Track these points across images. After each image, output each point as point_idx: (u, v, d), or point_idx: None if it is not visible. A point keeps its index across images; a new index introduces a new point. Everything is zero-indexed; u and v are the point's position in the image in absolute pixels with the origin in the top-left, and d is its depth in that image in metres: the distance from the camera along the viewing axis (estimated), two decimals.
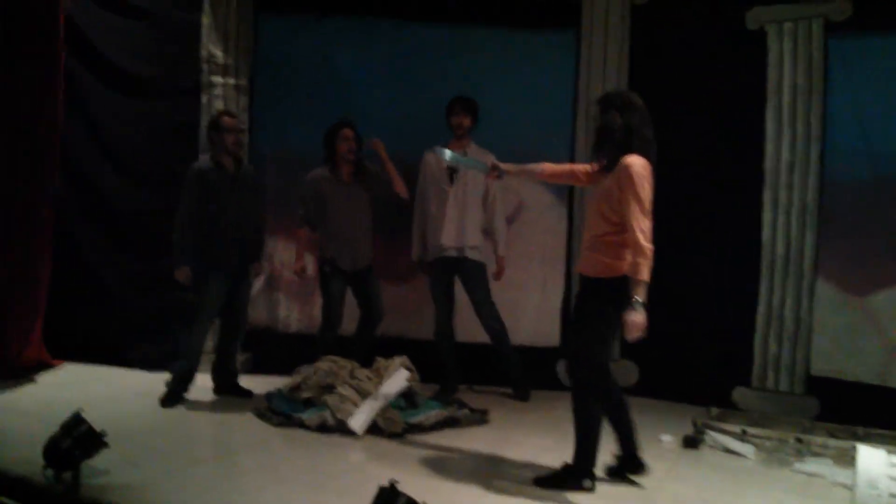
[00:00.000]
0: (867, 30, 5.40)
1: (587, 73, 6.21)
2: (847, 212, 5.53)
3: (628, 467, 4.19)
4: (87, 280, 6.26)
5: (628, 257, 3.74)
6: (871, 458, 3.40)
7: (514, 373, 5.95)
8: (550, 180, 4.52)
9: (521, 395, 5.91)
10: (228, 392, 5.59)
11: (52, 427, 3.89)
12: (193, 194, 5.30)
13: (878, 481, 3.31)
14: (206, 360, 5.73)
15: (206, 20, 6.06)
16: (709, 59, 5.87)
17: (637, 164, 3.74)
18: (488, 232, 5.93)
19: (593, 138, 4.00)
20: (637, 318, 3.69)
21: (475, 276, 5.85)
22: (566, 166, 4.44)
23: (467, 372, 6.00)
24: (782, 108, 5.63)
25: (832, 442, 4.86)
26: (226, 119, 5.35)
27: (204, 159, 5.45)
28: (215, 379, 5.66)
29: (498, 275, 5.93)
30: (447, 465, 4.41)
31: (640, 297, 3.69)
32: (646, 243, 3.68)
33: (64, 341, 6.17)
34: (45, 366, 5.97)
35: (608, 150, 3.86)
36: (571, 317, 4.19)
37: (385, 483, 3.07)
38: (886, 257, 5.40)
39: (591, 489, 3.97)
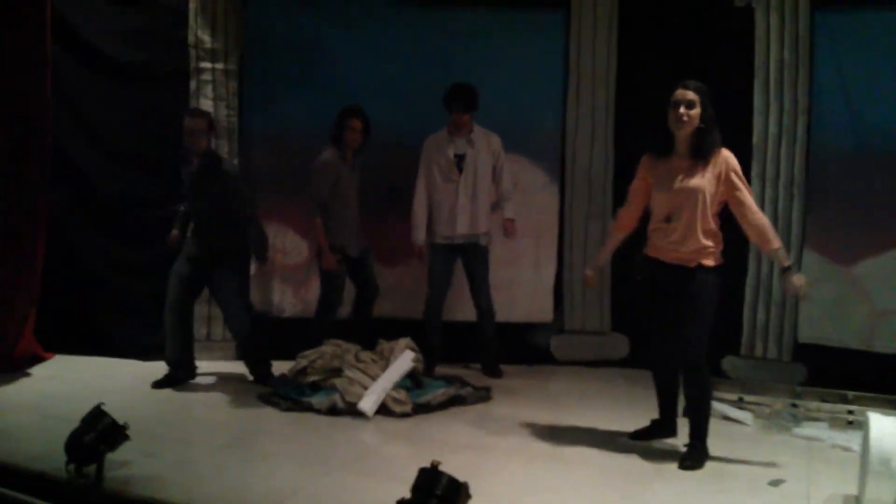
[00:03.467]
0: (853, 5, 5.52)
1: (577, 52, 6.26)
2: (833, 183, 5.68)
3: (663, 431, 4.55)
4: (77, 269, 6.18)
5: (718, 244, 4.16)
6: (882, 429, 3.44)
7: (491, 351, 6.03)
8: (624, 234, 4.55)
9: (495, 372, 5.98)
10: (258, 381, 5.55)
11: (57, 421, 3.92)
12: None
13: (891, 459, 3.36)
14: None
15: (193, 4, 5.97)
16: (697, 37, 5.95)
17: (732, 155, 4.17)
18: (499, 201, 5.96)
19: (696, 131, 4.10)
20: (803, 280, 4.15)
21: (480, 259, 5.93)
22: (625, 222, 4.50)
23: (448, 350, 6.04)
24: (769, 82, 5.74)
25: (825, 406, 5.06)
26: (185, 120, 5.31)
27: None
28: (247, 366, 5.69)
29: (510, 234, 5.96)
30: (463, 444, 4.49)
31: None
32: None
33: (55, 333, 6.09)
34: (37, 358, 5.90)
35: (709, 142, 4.08)
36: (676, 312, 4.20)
37: (415, 462, 3.13)
38: (871, 227, 5.56)
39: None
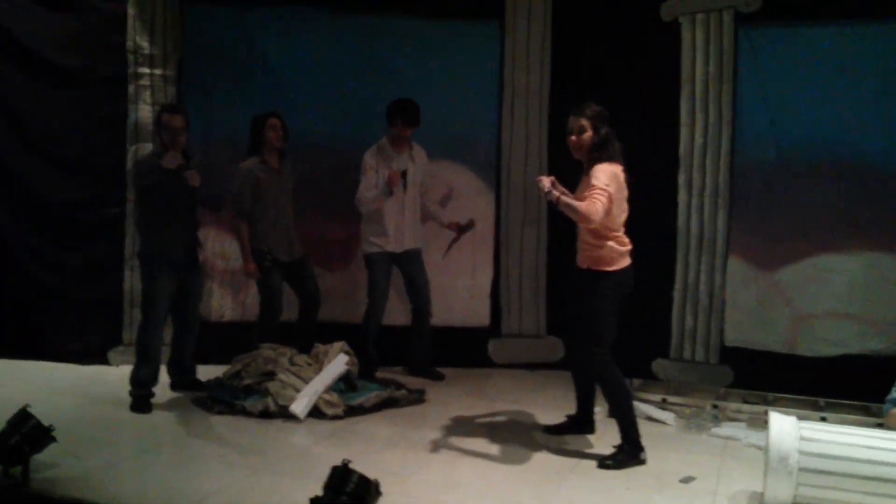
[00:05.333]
0: (774, 21, 5.74)
1: (511, 62, 6.40)
2: (756, 192, 5.88)
3: (579, 427, 4.80)
4: (14, 274, 6.16)
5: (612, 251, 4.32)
6: (781, 429, 3.63)
7: (427, 353, 6.14)
8: None
9: (434, 374, 6.08)
10: (185, 388, 5.50)
11: None
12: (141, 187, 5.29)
13: (788, 456, 3.55)
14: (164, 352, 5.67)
15: (131, 10, 6.01)
16: (626, 49, 6.15)
17: (605, 169, 4.26)
18: (429, 213, 6.09)
19: (590, 148, 4.32)
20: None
21: (419, 263, 6.06)
22: None
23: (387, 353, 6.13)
24: (695, 95, 5.94)
25: (745, 407, 5.27)
26: (166, 117, 5.17)
27: (151, 151, 5.48)
28: (172, 375, 5.57)
29: (464, 226, 5.97)
30: (390, 444, 4.60)
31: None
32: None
33: None
34: None
35: (594, 159, 4.29)
36: (572, 307, 4.52)
37: (337, 463, 3.23)
38: (792, 234, 5.78)
39: (645, 460, 4.32)
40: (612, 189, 4.18)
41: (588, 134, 4.32)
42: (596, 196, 4.12)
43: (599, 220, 4.14)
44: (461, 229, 5.98)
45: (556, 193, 4.14)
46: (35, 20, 6.02)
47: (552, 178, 4.26)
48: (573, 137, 4.36)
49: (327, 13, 6.31)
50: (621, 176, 4.31)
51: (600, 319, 4.31)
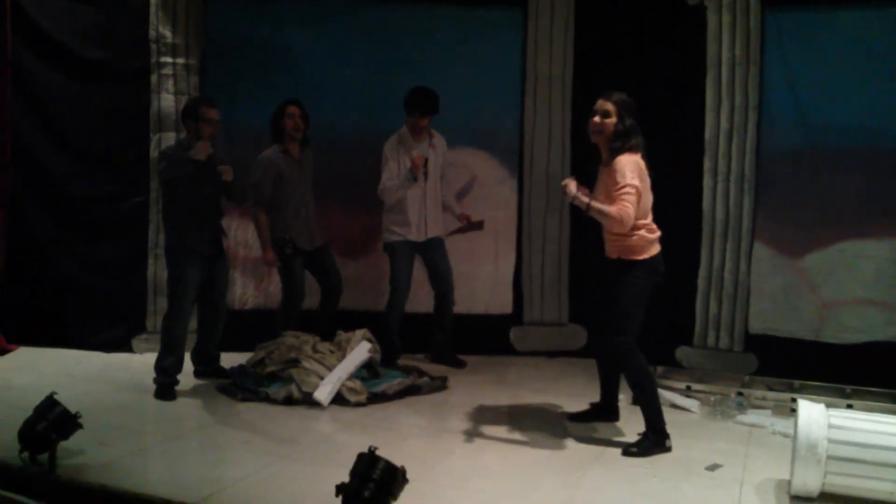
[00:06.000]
0: (802, 4, 5.66)
1: (534, 50, 6.36)
2: (782, 178, 5.82)
3: (603, 415, 4.78)
4: (42, 264, 6.23)
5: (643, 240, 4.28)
6: (810, 416, 3.59)
7: (448, 341, 6.13)
8: None
9: (457, 362, 6.08)
10: (209, 375, 5.53)
11: (18, 411, 3.98)
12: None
13: (817, 444, 3.51)
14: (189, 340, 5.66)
15: (154, 0, 6.01)
16: (651, 35, 6.08)
17: (630, 160, 4.22)
18: (444, 203, 6.08)
19: (608, 140, 4.27)
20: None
21: (442, 250, 6.05)
22: None
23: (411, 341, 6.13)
24: (721, 79, 5.86)
25: (770, 394, 5.22)
26: (204, 110, 5.13)
27: (176, 142, 5.45)
28: (196, 363, 5.59)
29: (473, 222, 6.05)
30: (414, 431, 4.62)
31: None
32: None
33: (19, 326, 6.17)
34: (1, 350, 5.98)
35: (615, 149, 4.23)
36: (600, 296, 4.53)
37: (362, 450, 3.22)
38: (818, 221, 5.72)
39: (670, 448, 4.30)
40: (637, 182, 4.14)
41: (612, 120, 4.27)
42: (625, 197, 4.09)
43: (631, 223, 4.12)
44: (470, 225, 5.99)
45: (584, 199, 4.11)
46: (58, 12, 6.04)
47: (574, 179, 4.23)
48: (596, 119, 4.31)
49: (354, 3, 6.29)
50: (642, 164, 4.27)
51: (630, 309, 4.28)
